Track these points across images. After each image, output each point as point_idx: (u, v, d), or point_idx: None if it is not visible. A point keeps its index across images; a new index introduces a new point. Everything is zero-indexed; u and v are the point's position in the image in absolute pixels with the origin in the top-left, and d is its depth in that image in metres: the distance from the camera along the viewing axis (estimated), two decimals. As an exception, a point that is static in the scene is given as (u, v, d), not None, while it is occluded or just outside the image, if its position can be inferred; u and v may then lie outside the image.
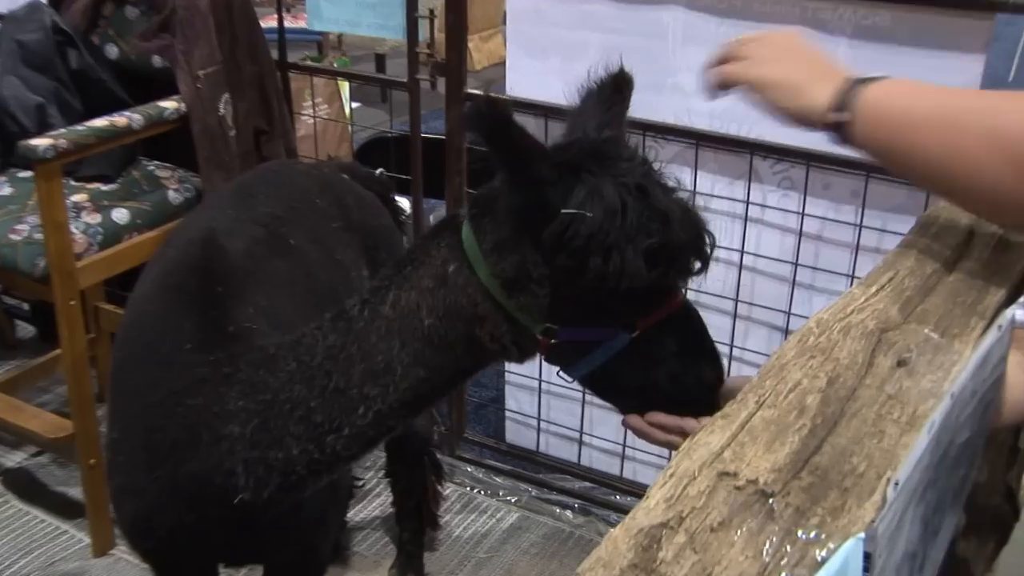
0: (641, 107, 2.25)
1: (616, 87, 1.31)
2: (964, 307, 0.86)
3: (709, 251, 1.21)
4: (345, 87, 3.85)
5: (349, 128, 3.80)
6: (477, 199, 1.27)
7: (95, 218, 2.35)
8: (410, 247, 1.33)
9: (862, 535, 0.61)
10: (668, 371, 1.24)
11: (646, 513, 0.62)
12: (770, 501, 0.63)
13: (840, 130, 1.02)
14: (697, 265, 1.21)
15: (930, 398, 0.73)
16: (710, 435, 0.67)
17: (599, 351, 1.23)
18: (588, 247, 1.14)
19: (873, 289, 0.88)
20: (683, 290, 1.28)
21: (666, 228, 1.16)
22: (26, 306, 3.29)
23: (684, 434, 1.23)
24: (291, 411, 1.28)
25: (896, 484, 0.66)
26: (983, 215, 0.99)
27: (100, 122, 2.27)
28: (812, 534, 0.61)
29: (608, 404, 1.34)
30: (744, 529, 0.61)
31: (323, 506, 1.60)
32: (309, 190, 1.89)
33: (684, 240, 1.18)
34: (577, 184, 1.15)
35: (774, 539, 0.61)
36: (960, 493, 0.90)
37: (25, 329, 3.36)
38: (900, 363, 0.78)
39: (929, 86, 0.99)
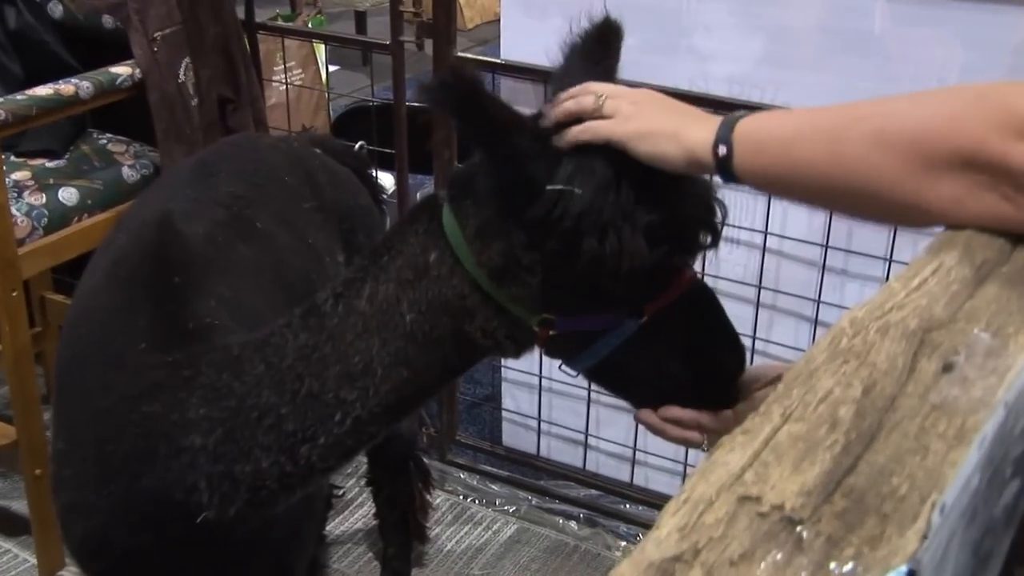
0: (652, 71, 2.26)
1: (602, 39, 1.29)
2: (1020, 302, 0.83)
3: (720, 223, 1.20)
4: (321, 49, 3.82)
5: (326, 95, 3.77)
6: (456, 178, 1.26)
7: (39, 199, 2.32)
8: (386, 234, 1.32)
9: (904, 568, 0.60)
10: (682, 360, 1.24)
11: (656, 545, 0.60)
12: (798, 529, 0.61)
13: (727, 166, 1.09)
14: (708, 240, 1.20)
15: (981, 409, 0.71)
16: (729, 453, 0.65)
17: (603, 341, 1.23)
18: (579, 227, 1.12)
19: (915, 282, 0.85)
20: (694, 267, 1.26)
21: (668, 201, 1.15)
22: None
23: (702, 429, 1.24)
24: (259, 419, 1.27)
25: (943, 508, 0.64)
26: (878, 219, 1.05)
27: (43, 90, 2.24)
28: (847, 567, 0.59)
29: (617, 400, 1.34)
30: (769, 562, 0.59)
31: (297, 520, 1.59)
32: (277, 167, 1.87)
33: (689, 214, 1.16)
34: (564, 157, 1.13)
35: (803, 573, 0.59)
36: (1015, 512, 0.88)
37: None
38: (946, 368, 0.75)
39: (803, 109, 1.08)
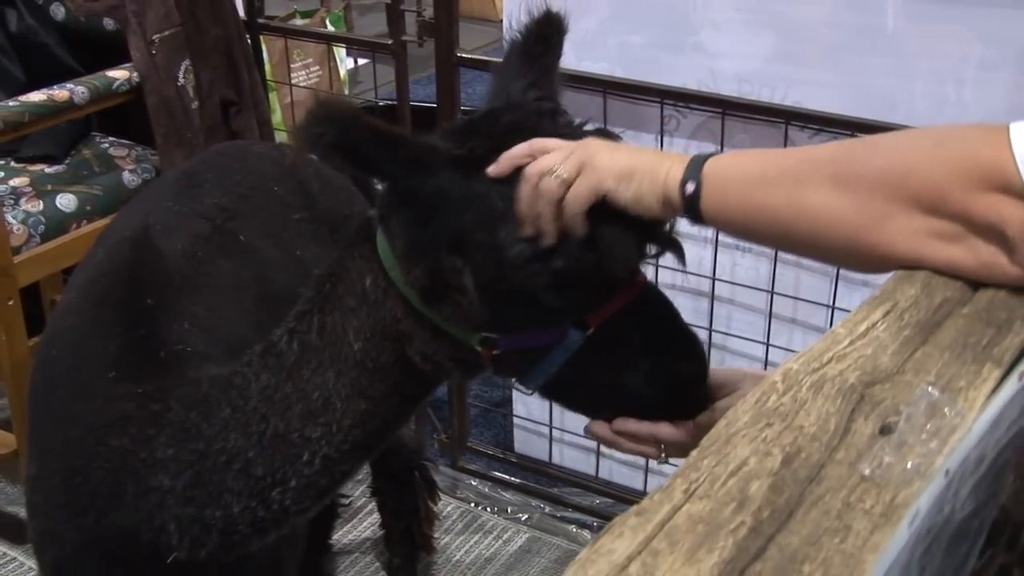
0: (659, 69, 2.18)
1: (542, 34, 1.23)
2: (976, 351, 0.75)
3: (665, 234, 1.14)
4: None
5: (345, 92, 3.72)
6: (385, 195, 1.20)
7: (36, 205, 2.30)
8: (329, 260, 1.27)
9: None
10: (636, 371, 1.18)
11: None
12: (689, 628, 0.55)
13: (695, 205, 1.05)
14: (653, 250, 1.14)
15: (916, 480, 0.64)
16: (616, 539, 0.59)
17: (550, 357, 1.17)
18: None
19: (862, 327, 0.78)
20: (644, 274, 1.19)
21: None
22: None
23: (657, 443, 1.20)
24: (228, 463, 1.25)
25: (857, 602, 0.57)
26: (840, 265, 1.05)
27: (37, 96, 2.22)
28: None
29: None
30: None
31: (275, 552, 1.54)
32: (265, 176, 1.82)
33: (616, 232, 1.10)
34: (473, 178, 1.09)
35: None
36: (961, 569, 0.81)
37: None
38: (884, 430, 0.68)
39: (771, 150, 1.11)
